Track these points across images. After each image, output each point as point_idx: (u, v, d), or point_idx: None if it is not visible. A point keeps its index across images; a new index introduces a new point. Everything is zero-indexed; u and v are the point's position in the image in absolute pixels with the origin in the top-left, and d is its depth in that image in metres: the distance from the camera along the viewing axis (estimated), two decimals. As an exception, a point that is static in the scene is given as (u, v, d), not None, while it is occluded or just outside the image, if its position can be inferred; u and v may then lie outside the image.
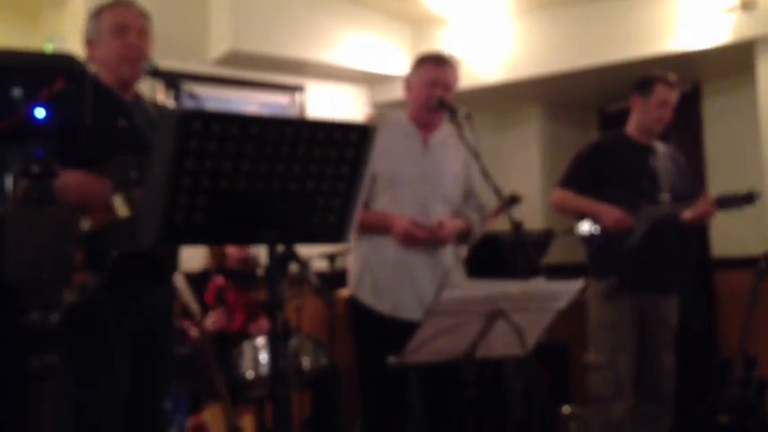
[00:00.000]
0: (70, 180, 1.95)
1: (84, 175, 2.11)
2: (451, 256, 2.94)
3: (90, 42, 2.37)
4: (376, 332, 2.82)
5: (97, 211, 2.14)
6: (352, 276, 2.97)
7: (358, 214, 1.85)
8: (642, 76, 3.55)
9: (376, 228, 2.86)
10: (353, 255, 3.00)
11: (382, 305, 2.85)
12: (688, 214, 3.36)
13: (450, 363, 2.17)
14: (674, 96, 3.50)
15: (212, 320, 3.62)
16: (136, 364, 2.26)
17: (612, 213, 3.38)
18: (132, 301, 2.24)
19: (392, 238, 2.83)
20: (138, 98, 2.40)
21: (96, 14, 2.37)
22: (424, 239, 2.81)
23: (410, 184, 2.88)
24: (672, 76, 3.50)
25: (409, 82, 3.00)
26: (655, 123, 3.52)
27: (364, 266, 2.92)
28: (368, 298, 2.88)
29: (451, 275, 2.86)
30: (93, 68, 2.34)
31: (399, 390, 2.85)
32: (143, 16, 2.39)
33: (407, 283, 2.83)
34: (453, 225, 2.87)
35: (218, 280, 3.75)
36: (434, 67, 2.92)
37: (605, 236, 3.42)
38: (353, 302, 2.94)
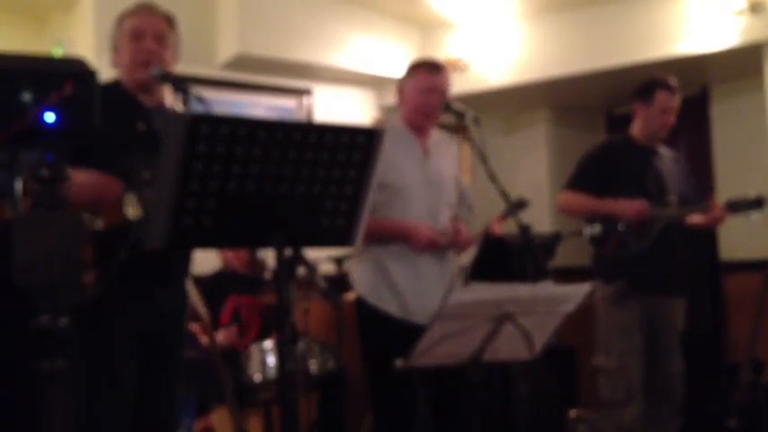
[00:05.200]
0: (83, 178, 1.96)
1: (97, 174, 2.11)
2: (454, 261, 2.96)
3: (115, 48, 2.40)
4: (387, 336, 2.81)
5: (109, 211, 2.14)
6: (363, 282, 2.94)
7: (368, 222, 1.85)
8: (643, 83, 3.53)
9: (391, 236, 2.85)
10: (365, 261, 2.97)
11: (395, 310, 2.84)
12: (699, 219, 3.36)
13: (458, 366, 2.17)
14: (675, 101, 3.47)
15: (224, 335, 3.59)
16: (144, 366, 2.26)
17: (629, 206, 3.36)
18: (140, 301, 2.24)
19: (404, 245, 2.82)
20: (161, 105, 2.42)
21: (120, 21, 2.40)
22: (445, 246, 2.84)
23: (417, 191, 2.88)
24: (673, 81, 3.47)
25: (402, 88, 2.98)
26: (659, 130, 3.51)
27: (377, 272, 2.89)
28: (381, 303, 2.86)
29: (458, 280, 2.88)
30: (118, 74, 2.37)
31: (408, 393, 2.84)
32: (163, 21, 2.40)
33: (419, 288, 2.83)
34: (470, 233, 2.91)
35: (235, 299, 3.71)
36: (429, 73, 2.91)
37: (618, 235, 3.40)
38: (365, 307, 2.90)
